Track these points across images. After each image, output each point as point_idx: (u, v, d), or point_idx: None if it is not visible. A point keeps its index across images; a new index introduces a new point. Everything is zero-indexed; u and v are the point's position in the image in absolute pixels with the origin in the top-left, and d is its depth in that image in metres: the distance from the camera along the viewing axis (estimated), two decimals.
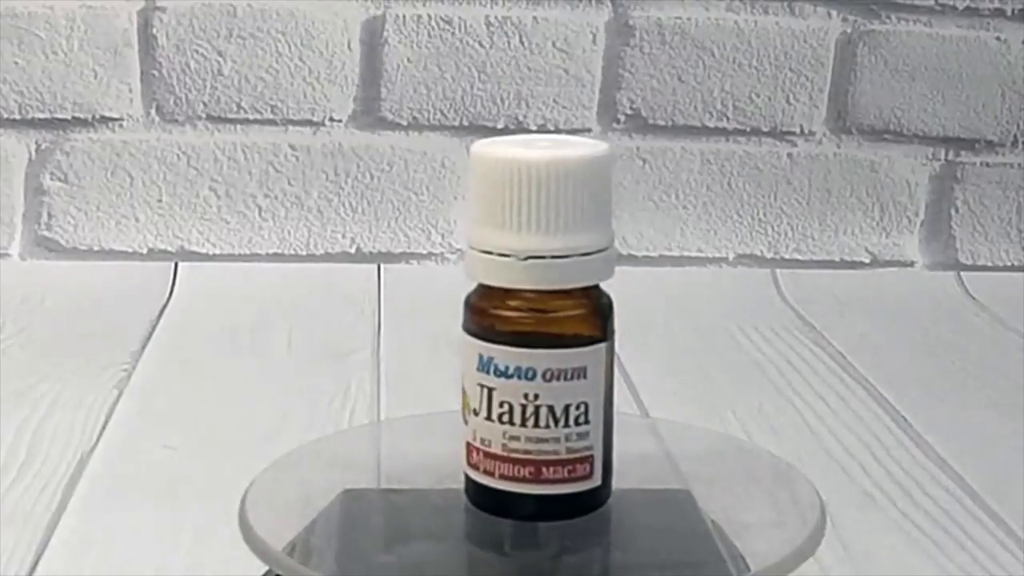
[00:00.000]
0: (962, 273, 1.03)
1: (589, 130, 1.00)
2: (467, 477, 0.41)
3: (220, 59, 0.97)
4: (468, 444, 0.41)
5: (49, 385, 0.76)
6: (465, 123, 0.99)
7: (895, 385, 0.79)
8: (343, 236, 0.99)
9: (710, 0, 0.99)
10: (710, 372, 0.81)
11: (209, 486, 0.62)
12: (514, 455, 0.40)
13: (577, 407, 0.39)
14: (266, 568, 0.42)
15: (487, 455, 0.40)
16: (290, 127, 0.98)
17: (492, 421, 0.40)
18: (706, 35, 0.99)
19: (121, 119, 0.97)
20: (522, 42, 0.98)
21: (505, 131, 0.98)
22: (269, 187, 0.98)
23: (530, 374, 0.39)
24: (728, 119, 1.01)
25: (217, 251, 0.99)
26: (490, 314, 0.40)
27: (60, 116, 0.96)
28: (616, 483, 0.43)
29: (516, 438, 0.40)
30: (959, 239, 1.04)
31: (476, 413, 0.40)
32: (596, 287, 0.40)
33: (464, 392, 0.40)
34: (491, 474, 0.40)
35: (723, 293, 0.98)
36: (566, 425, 0.39)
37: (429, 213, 0.99)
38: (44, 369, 0.78)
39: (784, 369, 0.82)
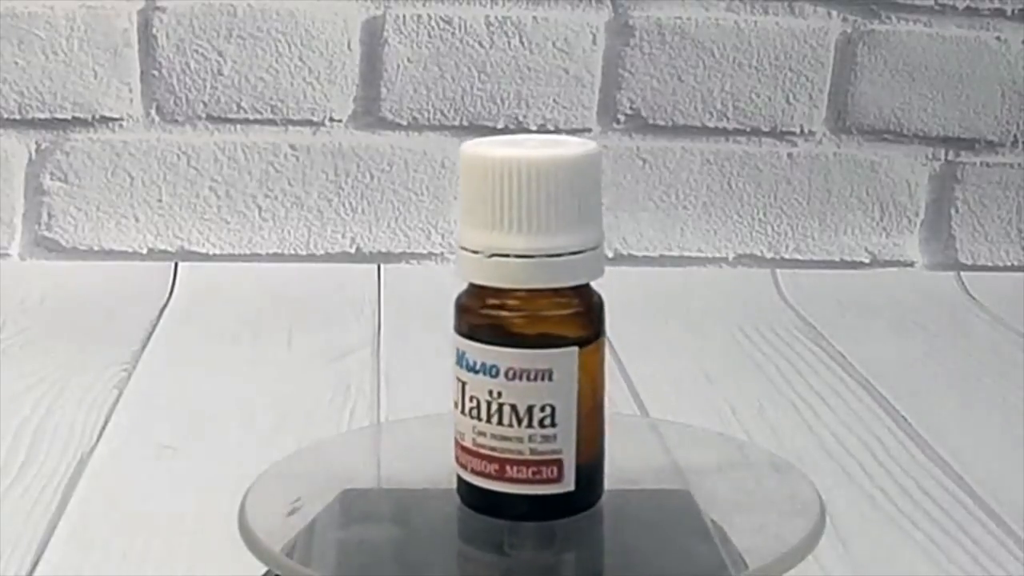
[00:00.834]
0: (962, 273, 1.03)
1: (589, 130, 1.00)
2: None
3: (220, 59, 0.97)
4: (455, 437, 0.41)
5: (49, 385, 0.76)
6: (465, 123, 0.99)
7: (895, 385, 0.79)
8: (343, 236, 0.99)
9: (710, 0, 0.99)
10: (710, 372, 0.81)
11: (209, 486, 0.62)
12: (482, 451, 0.40)
13: (542, 409, 0.39)
14: (266, 568, 0.42)
15: (462, 448, 0.41)
16: (290, 127, 0.98)
17: (465, 415, 0.40)
18: (706, 35, 0.99)
19: (121, 119, 0.97)
20: (522, 42, 0.98)
21: (505, 131, 0.98)
22: (269, 187, 0.98)
23: (494, 371, 0.40)
24: (728, 119, 1.01)
25: (217, 251, 0.99)
26: (478, 313, 0.40)
27: (60, 116, 0.96)
28: (616, 483, 0.43)
29: (483, 434, 0.40)
30: (959, 239, 1.04)
31: (456, 406, 0.41)
32: (587, 286, 0.40)
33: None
34: (464, 468, 0.41)
35: (723, 293, 0.98)
36: (529, 426, 0.39)
37: (429, 213, 0.99)
38: (44, 369, 0.78)
39: (784, 369, 0.82)
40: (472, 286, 0.40)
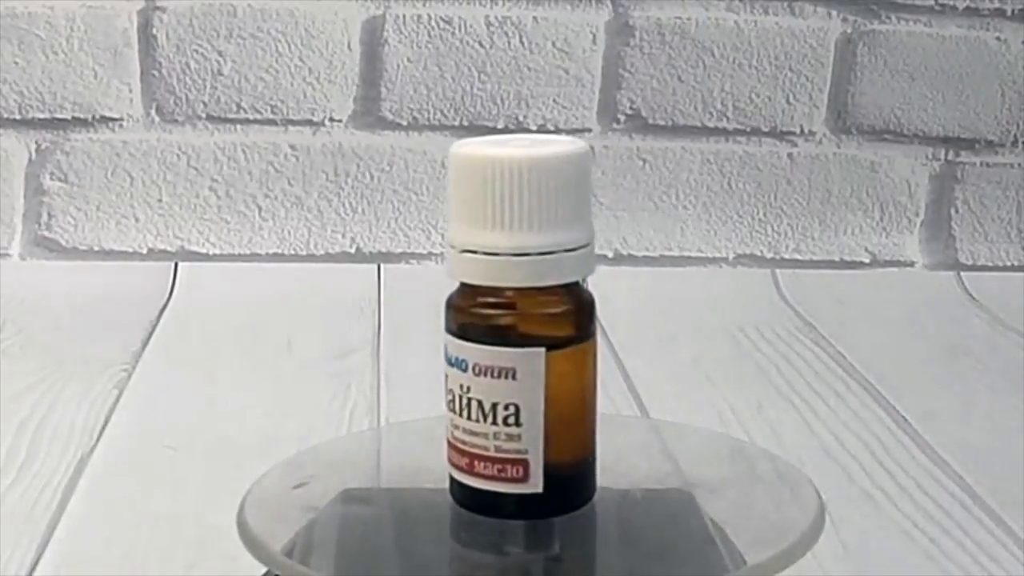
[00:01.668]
0: (962, 273, 1.03)
1: (589, 130, 1.00)
2: None
3: (220, 59, 0.97)
4: None
5: (49, 385, 0.76)
6: (465, 123, 0.99)
7: (895, 385, 0.79)
8: (343, 236, 0.99)
9: (710, 0, 0.99)
10: (710, 372, 0.81)
11: (209, 486, 0.62)
12: (456, 443, 0.41)
13: (506, 407, 0.39)
14: (265, 569, 0.42)
15: (447, 442, 0.41)
16: (290, 127, 0.98)
17: (447, 408, 0.41)
18: (706, 35, 0.99)
19: (121, 119, 0.97)
20: (522, 42, 0.98)
21: (505, 131, 0.98)
22: (269, 187, 0.98)
23: (463, 365, 0.40)
24: (728, 119, 1.01)
25: (217, 251, 0.99)
26: (467, 312, 0.40)
27: (60, 116, 0.96)
28: (616, 483, 0.43)
29: (457, 427, 0.40)
30: (959, 239, 1.04)
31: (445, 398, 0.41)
32: (577, 284, 0.40)
33: None
34: (448, 460, 0.41)
35: (723, 293, 0.98)
36: (494, 423, 0.40)
37: (429, 213, 0.99)
38: (44, 369, 0.78)
39: (784, 369, 0.82)
40: (462, 285, 0.40)
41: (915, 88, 1.01)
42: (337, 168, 0.99)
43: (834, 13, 1.00)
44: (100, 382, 0.76)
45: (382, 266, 0.99)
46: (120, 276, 0.96)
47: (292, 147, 0.98)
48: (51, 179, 0.97)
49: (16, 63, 0.95)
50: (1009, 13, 1.01)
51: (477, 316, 0.40)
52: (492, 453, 0.40)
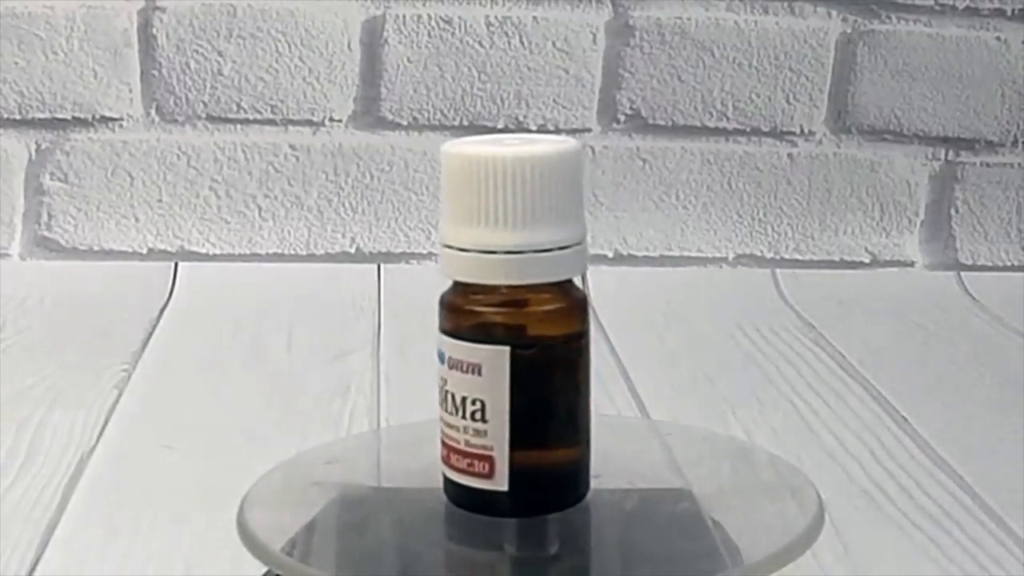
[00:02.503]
0: (962, 273, 1.03)
1: (589, 130, 1.00)
2: None
3: (220, 59, 0.97)
4: None
5: (49, 385, 0.76)
6: (465, 123, 0.99)
7: (895, 385, 0.79)
8: (343, 236, 0.99)
9: (710, 0, 0.99)
10: (710, 372, 0.81)
11: (209, 486, 0.62)
12: (441, 435, 0.41)
13: (473, 403, 0.40)
14: (266, 569, 0.42)
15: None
16: (290, 127, 0.98)
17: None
18: (706, 35, 0.99)
19: (121, 119, 0.97)
20: (522, 42, 0.98)
21: (505, 131, 0.98)
22: (269, 187, 0.98)
23: (442, 358, 0.41)
24: (728, 119, 1.01)
25: (217, 251, 0.99)
26: (459, 310, 0.40)
27: (60, 116, 0.96)
28: (616, 483, 0.43)
29: (441, 419, 0.41)
30: (959, 239, 1.04)
31: None
32: (569, 283, 0.40)
33: None
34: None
35: (723, 293, 0.98)
36: (463, 417, 0.40)
37: (429, 213, 0.99)
38: (44, 369, 0.78)
39: (784, 369, 0.82)
40: (455, 283, 0.41)
41: (915, 88, 1.01)
42: (337, 168, 0.99)
43: (834, 13, 1.00)
44: (100, 382, 0.76)
45: (382, 266, 0.99)
46: (120, 276, 0.96)
47: (292, 147, 0.98)
48: (51, 179, 0.97)
49: (16, 63, 0.95)
50: (1009, 13, 1.01)
51: (466, 313, 0.40)
52: (463, 447, 0.40)
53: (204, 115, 0.97)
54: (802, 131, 1.01)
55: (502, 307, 0.40)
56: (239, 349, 0.84)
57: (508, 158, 0.39)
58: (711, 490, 0.45)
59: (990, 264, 1.04)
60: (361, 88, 0.98)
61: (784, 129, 1.01)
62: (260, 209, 0.99)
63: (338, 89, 0.98)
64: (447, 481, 0.41)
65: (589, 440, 0.41)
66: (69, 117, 0.96)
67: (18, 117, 0.96)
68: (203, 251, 0.98)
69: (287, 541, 0.40)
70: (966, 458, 0.68)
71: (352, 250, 1.00)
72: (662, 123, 1.00)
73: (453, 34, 0.98)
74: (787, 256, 1.03)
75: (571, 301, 0.41)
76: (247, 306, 0.92)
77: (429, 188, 0.99)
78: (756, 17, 1.00)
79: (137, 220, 0.98)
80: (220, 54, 0.97)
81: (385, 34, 0.97)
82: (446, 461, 0.41)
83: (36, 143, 0.97)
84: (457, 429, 0.40)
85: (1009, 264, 1.05)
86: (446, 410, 0.40)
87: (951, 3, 1.00)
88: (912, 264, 1.04)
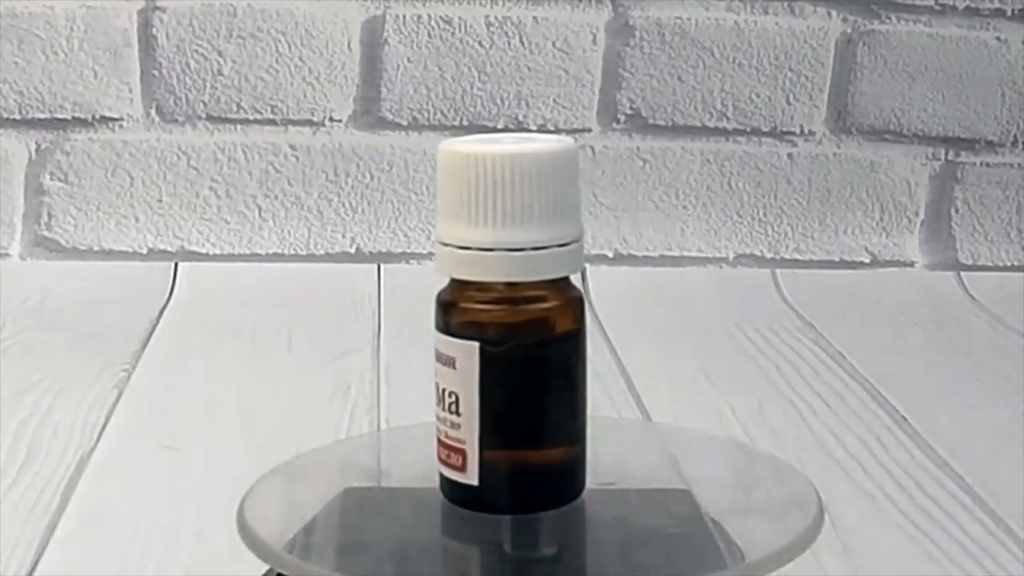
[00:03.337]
0: (962, 273, 1.03)
1: (589, 130, 1.00)
2: None
3: (220, 59, 0.97)
4: None
5: (49, 385, 0.76)
6: (465, 123, 0.99)
7: (895, 385, 0.79)
8: (343, 236, 0.99)
9: (710, 0, 0.99)
10: (710, 372, 0.81)
11: (209, 486, 0.62)
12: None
13: (450, 395, 0.40)
14: (266, 569, 0.42)
15: None
16: (290, 127, 0.98)
17: None
18: (706, 35, 0.99)
19: (121, 119, 0.97)
20: (522, 42, 0.98)
21: (505, 131, 0.98)
22: (269, 187, 0.98)
23: (433, 350, 0.41)
24: (728, 119, 1.01)
25: (217, 251, 0.99)
26: (457, 307, 0.40)
27: (60, 116, 0.96)
28: (615, 483, 0.43)
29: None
30: (959, 239, 1.04)
31: None
32: (565, 280, 0.41)
33: None
34: None
35: (723, 293, 0.98)
36: (444, 409, 0.41)
37: (429, 213, 0.99)
38: (44, 369, 0.78)
39: (784, 369, 0.82)
40: (451, 280, 0.41)
41: (915, 88, 1.01)
42: (337, 168, 0.99)
43: (834, 13, 1.00)
44: (100, 382, 0.76)
45: (382, 266, 0.99)
46: (120, 276, 0.96)
47: (292, 147, 0.98)
48: (51, 179, 0.97)
49: (16, 63, 0.95)
50: (1009, 13, 1.01)
51: (460, 310, 0.40)
52: (444, 438, 0.41)
53: (204, 115, 0.97)
54: (802, 131, 1.01)
55: (497, 304, 0.40)
56: (239, 349, 0.84)
57: (504, 156, 0.39)
58: (711, 490, 0.45)
59: (990, 264, 1.04)
60: (361, 88, 0.98)
61: (784, 129, 1.01)
62: (260, 209, 0.99)
63: (338, 89, 0.98)
64: (440, 473, 0.42)
65: (581, 440, 0.41)
66: (69, 117, 0.96)
67: (18, 117, 0.96)
68: (203, 251, 0.98)
69: (288, 541, 0.40)
70: (966, 458, 0.68)
71: (352, 250, 1.00)
72: (662, 123, 1.00)
73: (453, 34, 0.98)
74: (787, 256, 1.03)
75: (566, 299, 0.41)
76: (247, 306, 0.92)
77: (429, 188, 0.99)
78: (756, 17, 1.00)
79: (137, 220, 0.98)
80: (220, 54, 0.97)
81: (385, 34, 0.97)
82: (435, 450, 0.42)
83: (36, 143, 0.97)
84: (441, 421, 0.41)
85: (1009, 264, 1.05)
86: (436, 401, 0.41)
87: (951, 3, 1.00)
88: (912, 264, 1.04)
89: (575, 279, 0.42)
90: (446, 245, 0.40)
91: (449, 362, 0.40)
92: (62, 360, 0.80)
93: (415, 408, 0.71)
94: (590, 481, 0.42)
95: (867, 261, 1.03)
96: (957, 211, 1.04)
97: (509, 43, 0.98)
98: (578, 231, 0.40)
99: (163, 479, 0.64)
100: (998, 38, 1.01)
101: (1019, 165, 1.04)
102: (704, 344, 0.87)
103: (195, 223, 0.98)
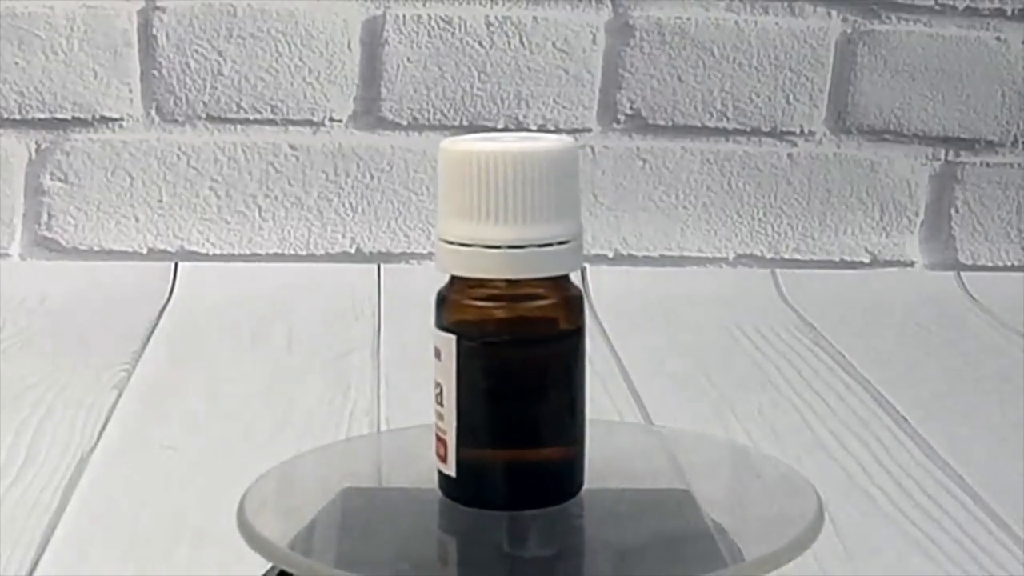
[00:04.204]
0: (962, 273, 1.03)
1: (589, 130, 1.00)
2: None
3: (220, 59, 0.97)
4: None
5: (49, 385, 0.76)
6: (465, 123, 0.99)
7: (895, 385, 0.79)
8: (343, 236, 0.99)
9: (710, 0, 0.99)
10: (710, 372, 0.81)
11: (209, 486, 0.62)
12: None
13: (436, 386, 0.41)
14: (266, 569, 0.42)
15: None
16: (290, 127, 0.98)
17: None
18: (706, 35, 0.99)
19: (121, 119, 0.97)
20: (522, 42, 0.98)
21: (505, 131, 0.98)
22: (269, 187, 0.98)
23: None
24: (728, 119, 1.01)
25: (217, 251, 0.99)
26: (461, 305, 0.40)
27: (60, 116, 0.96)
28: (617, 482, 0.43)
29: None
30: (959, 239, 1.04)
31: None
32: (565, 277, 0.41)
33: None
34: None
35: (723, 293, 0.98)
36: (435, 400, 0.41)
37: (429, 213, 0.99)
38: (44, 369, 0.78)
39: (784, 369, 0.82)
40: (451, 277, 0.41)
41: (915, 88, 1.01)
42: (337, 168, 0.99)
43: (834, 13, 1.00)
44: (100, 382, 0.76)
45: (382, 266, 0.99)
46: (120, 276, 0.96)
47: (292, 147, 0.98)
48: (51, 179, 0.97)
49: (16, 63, 0.95)
50: (1009, 13, 1.01)
51: (461, 308, 0.40)
52: (435, 429, 0.41)
53: (204, 115, 0.97)
54: (802, 131, 1.01)
55: (496, 301, 0.40)
56: (239, 349, 0.84)
57: (506, 154, 0.39)
58: (710, 491, 0.45)
59: (990, 264, 1.04)
60: (361, 88, 0.98)
61: (784, 129, 1.01)
62: (260, 209, 0.99)
63: (338, 89, 0.98)
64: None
65: (576, 440, 0.41)
66: (69, 117, 0.96)
67: (18, 117, 0.96)
68: (203, 251, 0.98)
69: (288, 542, 0.40)
70: (966, 458, 0.68)
71: (352, 250, 1.00)
72: (662, 123, 1.00)
73: (453, 34, 0.98)
74: (787, 256, 1.03)
75: (565, 297, 0.41)
76: (247, 306, 0.92)
77: (429, 188, 0.99)
78: (756, 17, 1.00)
79: (137, 220, 0.98)
80: (220, 54, 0.97)
81: (385, 34, 0.97)
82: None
83: (36, 143, 0.97)
84: (435, 413, 0.41)
85: (1009, 264, 1.05)
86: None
87: (951, 3, 1.00)
88: (912, 264, 1.04)
89: (575, 278, 0.42)
90: (447, 243, 0.41)
91: (437, 354, 0.41)
92: (62, 360, 0.80)
93: (415, 408, 0.71)
94: (589, 481, 0.42)
95: (867, 261, 1.03)
96: (957, 211, 1.04)
97: (509, 43, 0.98)
98: (578, 229, 0.40)
99: (163, 479, 0.64)
100: (998, 38, 1.01)
101: (1019, 165, 1.04)
102: (704, 344, 0.87)
103: (195, 223, 0.98)
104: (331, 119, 0.98)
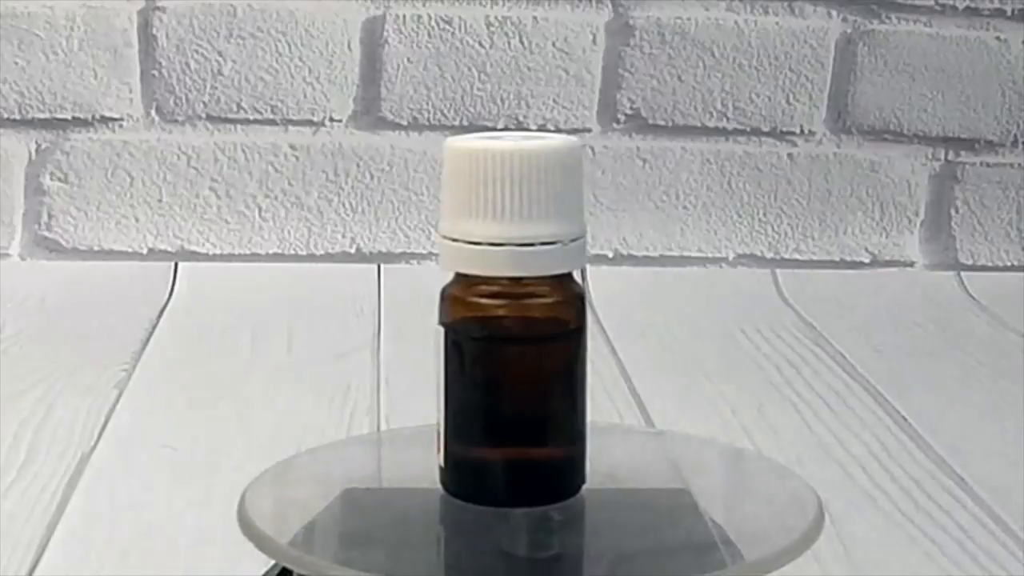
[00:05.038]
0: (962, 273, 1.03)
1: (589, 130, 1.00)
2: None
3: (220, 59, 0.97)
4: None
5: (49, 385, 0.76)
6: (465, 123, 0.99)
7: (895, 385, 0.79)
8: (343, 236, 0.99)
9: (710, 0, 0.99)
10: (710, 372, 0.81)
11: (209, 486, 0.62)
12: None
13: (440, 381, 0.41)
14: (267, 568, 0.42)
15: None
16: (290, 127, 0.98)
17: None
18: (706, 35, 0.99)
19: (121, 119, 0.97)
20: (522, 42, 0.98)
21: (505, 131, 0.98)
22: (269, 187, 0.98)
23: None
24: (728, 119, 1.01)
25: (217, 251, 0.99)
26: (465, 302, 0.41)
27: (60, 116, 0.96)
28: (617, 483, 0.43)
29: None
30: (959, 239, 1.04)
31: None
32: (568, 275, 0.41)
33: None
34: None
35: (723, 293, 0.98)
36: (438, 395, 0.41)
37: (429, 213, 0.99)
38: (44, 369, 0.78)
39: (784, 369, 0.82)
40: (455, 275, 0.41)
41: (915, 88, 1.01)
42: (337, 168, 0.99)
43: (834, 13, 1.00)
44: (100, 382, 0.76)
45: (382, 266, 0.99)
46: (120, 276, 0.96)
47: (292, 147, 0.98)
48: (51, 179, 0.97)
49: (16, 63, 0.95)
50: (1009, 13, 1.01)
51: (466, 305, 0.41)
52: (439, 425, 0.42)
53: (204, 115, 0.97)
54: (802, 131, 1.01)
55: (499, 299, 0.40)
56: (239, 349, 0.84)
57: (514, 152, 0.40)
58: (710, 492, 0.45)
59: (990, 264, 1.04)
60: (361, 88, 0.98)
61: (784, 129, 1.01)
62: (260, 209, 0.99)
63: (338, 89, 0.98)
64: None
65: (577, 437, 0.41)
66: (69, 117, 0.96)
67: (18, 117, 0.96)
68: (203, 251, 0.98)
69: (288, 541, 0.40)
70: (966, 458, 0.68)
71: (352, 250, 1.00)
72: (662, 123, 1.00)
73: (453, 34, 0.98)
74: (787, 256, 1.03)
75: (569, 295, 0.41)
76: (247, 306, 0.92)
77: (429, 188, 0.99)
78: (756, 17, 1.00)
79: (137, 220, 0.98)
80: (220, 54, 0.97)
81: (385, 34, 0.97)
82: None
83: (36, 143, 0.97)
84: (439, 407, 0.42)
85: (1009, 264, 1.05)
86: None
87: (951, 3, 1.00)
88: (912, 264, 1.04)
89: (576, 276, 0.42)
90: (452, 240, 0.41)
91: (440, 350, 0.41)
92: (62, 360, 0.80)
93: (415, 408, 0.71)
94: (589, 481, 0.42)
95: (867, 261, 1.03)
96: (957, 211, 1.04)
97: (509, 43, 0.98)
98: (582, 228, 0.41)
99: (163, 479, 0.64)
100: (998, 38, 1.01)
101: (1019, 165, 1.04)
102: (704, 344, 0.87)
103: (195, 223, 0.98)
104: (331, 119, 0.98)
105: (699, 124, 1.01)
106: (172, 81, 0.96)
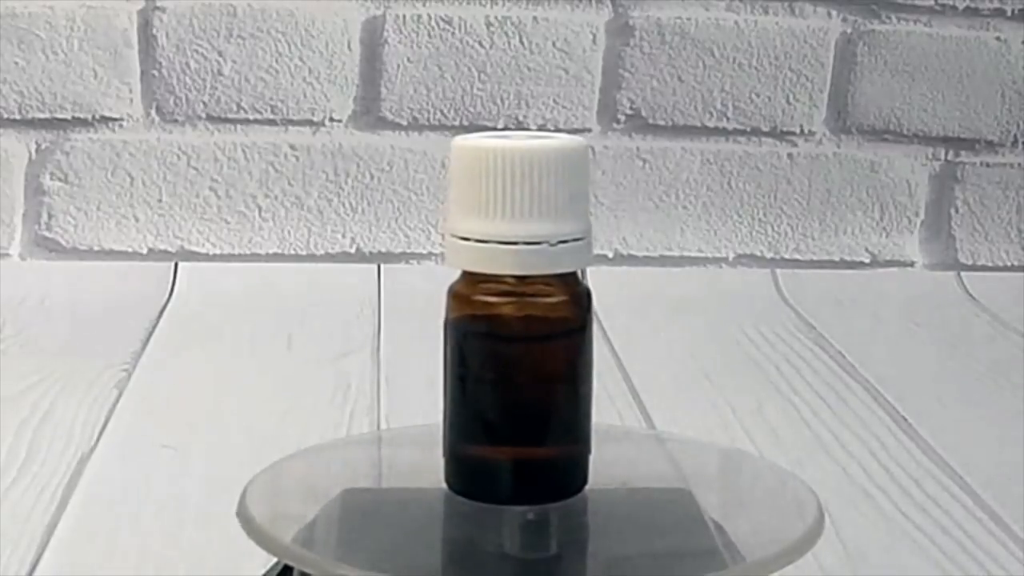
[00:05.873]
0: (962, 273, 1.03)
1: (589, 130, 1.00)
2: None
3: (220, 59, 0.97)
4: None
5: (49, 385, 0.76)
6: (465, 123, 0.99)
7: (895, 385, 0.79)
8: (343, 236, 0.99)
9: (710, 0, 0.99)
10: (710, 372, 0.81)
11: (209, 486, 0.62)
12: None
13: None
14: (268, 568, 0.42)
15: None
16: (290, 127, 0.98)
17: None
18: (706, 35, 0.99)
19: (121, 119, 0.97)
20: (522, 42, 0.98)
21: (509, 131, 0.98)
22: (269, 187, 0.98)
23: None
24: (728, 119, 1.01)
25: (217, 251, 0.99)
26: (471, 300, 0.41)
27: (60, 116, 0.96)
28: (616, 483, 0.43)
29: None
30: (959, 239, 1.04)
31: None
32: (573, 275, 0.41)
33: None
34: None
35: (723, 293, 0.98)
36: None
37: (429, 213, 0.99)
38: (44, 369, 0.78)
39: (784, 369, 0.82)
40: (462, 273, 0.41)
41: (915, 88, 1.01)
42: (337, 168, 0.99)
43: (834, 13, 1.00)
44: (100, 382, 0.76)
45: (382, 266, 0.99)
46: (120, 276, 0.96)
47: (292, 147, 0.98)
48: (51, 179, 0.97)
49: (16, 63, 0.95)
50: (1009, 13, 1.01)
51: (472, 303, 0.41)
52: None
53: (204, 115, 0.97)
54: (802, 131, 1.01)
55: (505, 297, 0.40)
56: (239, 349, 0.84)
57: (520, 150, 0.40)
58: (711, 492, 0.45)
59: (990, 264, 1.04)
60: (361, 88, 0.98)
61: (784, 129, 1.01)
62: (260, 209, 0.99)
63: (338, 89, 0.98)
64: None
65: (581, 436, 0.41)
66: (69, 117, 0.96)
67: (18, 117, 0.96)
68: (203, 251, 0.98)
69: (290, 537, 0.40)
70: (966, 458, 0.68)
71: (352, 250, 1.00)
72: (662, 123, 1.00)
73: (453, 34, 0.98)
74: (787, 256, 1.03)
75: (574, 293, 0.41)
76: (247, 306, 0.92)
77: (429, 188, 0.99)
78: (756, 17, 1.00)
79: (137, 220, 0.98)
80: (220, 54, 0.97)
81: (385, 34, 0.97)
82: None
83: (36, 143, 0.97)
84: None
85: (1009, 264, 1.05)
86: None
87: (951, 3, 1.00)
88: (912, 264, 1.04)
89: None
90: (459, 238, 0.41)
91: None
92: (62, 360, 0.80)
93: (415, 408, 0.71)
94: (591, 481, 0.42)
95: (867, 261, 1.03)
96: (957, 211, 1.04)
97: (509, 43, 0.98)
98: (588, 227, 0.41)
99: (163, 479, 0.64)
100: (998, 38, 1.01)
101: (1019, 165, 1.04)
102: (704, 344, 0.87)
103: (195, 223, 0.98)
104: (331, 119, 0.98)
105: (699, 124, 1.01)
106: (172, 81, 0.96)
